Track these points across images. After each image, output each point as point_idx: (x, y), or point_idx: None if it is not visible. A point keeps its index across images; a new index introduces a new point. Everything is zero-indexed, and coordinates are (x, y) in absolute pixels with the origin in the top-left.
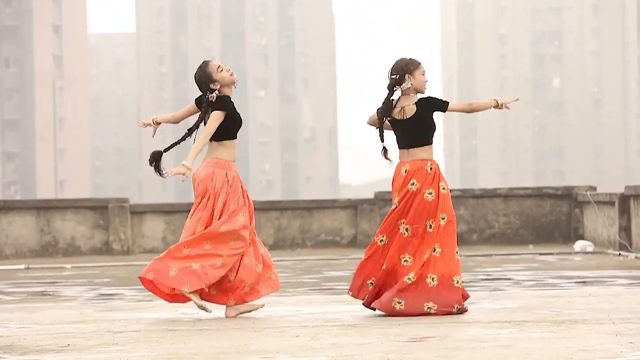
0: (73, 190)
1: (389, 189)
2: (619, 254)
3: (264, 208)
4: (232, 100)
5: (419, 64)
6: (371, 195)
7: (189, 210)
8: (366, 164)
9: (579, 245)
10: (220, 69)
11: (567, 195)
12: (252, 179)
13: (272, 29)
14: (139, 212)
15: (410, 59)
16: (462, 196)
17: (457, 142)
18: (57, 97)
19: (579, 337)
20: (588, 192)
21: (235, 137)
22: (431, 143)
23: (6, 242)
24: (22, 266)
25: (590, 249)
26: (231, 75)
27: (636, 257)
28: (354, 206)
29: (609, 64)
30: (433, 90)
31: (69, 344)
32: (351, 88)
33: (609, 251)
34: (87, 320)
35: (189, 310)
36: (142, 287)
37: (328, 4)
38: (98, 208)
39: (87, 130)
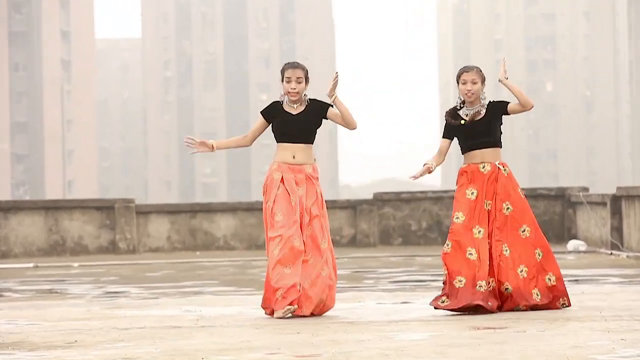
0: (81, 190)
1: (387, 189)
2: (611, 253)
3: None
4: (277, 105)
5: (460, 73)
6: (370, 196)
7: (193, 211)
8: (365, 165)
9: (572, 244)
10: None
11: (561, 196)
12: (254, 180)
13: (274, 34)
14: (145, 212)
15: (460, 68)
16: None
17: (454, 144)
18: (65, 100)
19: (572, 334)
20: (581, 193)
21: (279, 141)
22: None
23: (15, 242)
24: (31, 265)
25: (583, 248)
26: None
27: (627, 256)
28: (353, 206)
29: (600, 68)
30: (430, 94)
31: (76, 340)
32: (351, 91)
33: (601, 250)
34: (93, 318)
35: (192, 307)
36: (147, 284)
37: (328, 10)
38: (105, 208)
39: (94, 132)
